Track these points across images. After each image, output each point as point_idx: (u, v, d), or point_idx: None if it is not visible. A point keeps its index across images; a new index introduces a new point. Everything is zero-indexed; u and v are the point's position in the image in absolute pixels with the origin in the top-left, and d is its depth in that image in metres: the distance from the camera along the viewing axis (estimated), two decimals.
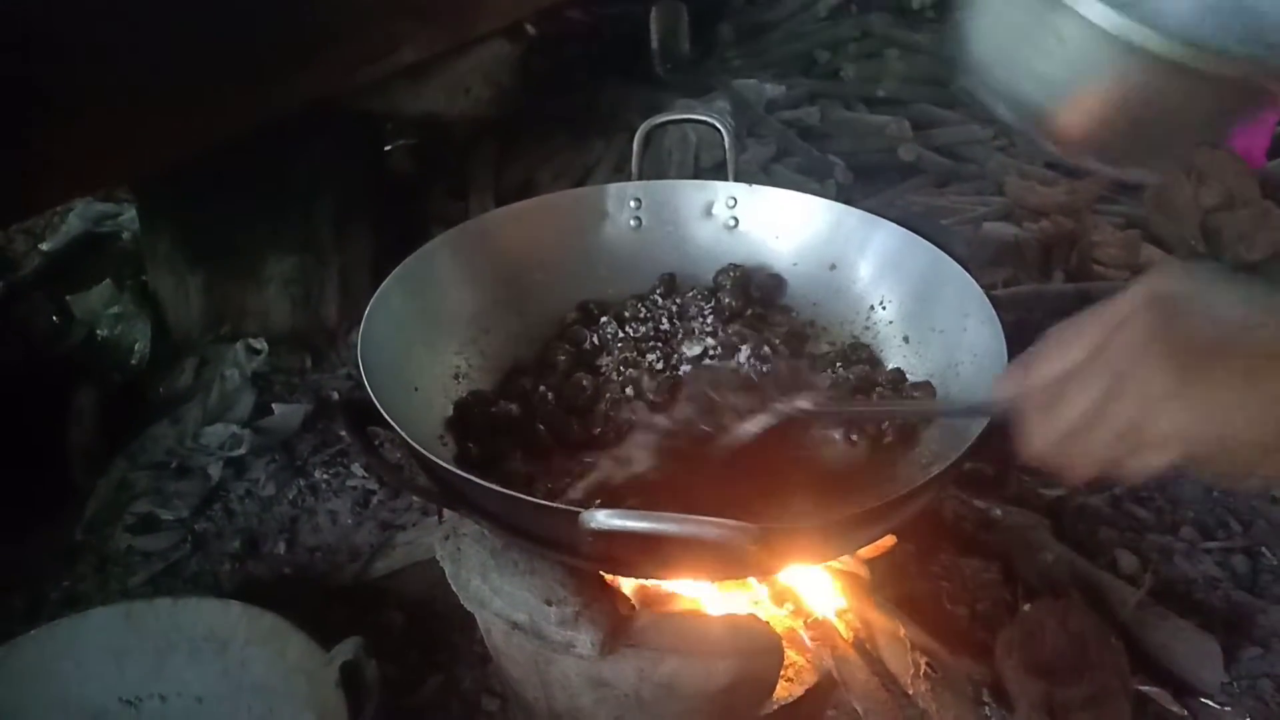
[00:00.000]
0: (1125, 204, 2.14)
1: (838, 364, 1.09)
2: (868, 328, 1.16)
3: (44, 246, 1.95)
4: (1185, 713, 1.16)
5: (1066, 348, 0.60)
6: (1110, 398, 0.55)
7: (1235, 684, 1.21)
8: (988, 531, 1.35)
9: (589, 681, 0.93)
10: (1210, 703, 1.19)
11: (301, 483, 1.47)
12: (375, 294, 1.01)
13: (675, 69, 2.54)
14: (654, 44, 2.52)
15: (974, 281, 1.04)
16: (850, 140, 2.29)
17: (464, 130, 1.97)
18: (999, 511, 1.36)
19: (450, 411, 1.04)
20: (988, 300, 1.01)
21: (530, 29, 1.96)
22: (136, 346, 1.65)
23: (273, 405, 1.58)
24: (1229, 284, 0.57)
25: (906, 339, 1.13)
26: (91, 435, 1.48)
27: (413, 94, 1.62)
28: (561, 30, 2.49)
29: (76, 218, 2.00)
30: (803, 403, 0.89)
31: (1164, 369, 0.52)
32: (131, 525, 1.39)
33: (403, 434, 0.86)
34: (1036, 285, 1.77)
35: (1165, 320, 0.54)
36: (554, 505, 0.80)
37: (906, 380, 1.08)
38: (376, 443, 0.98)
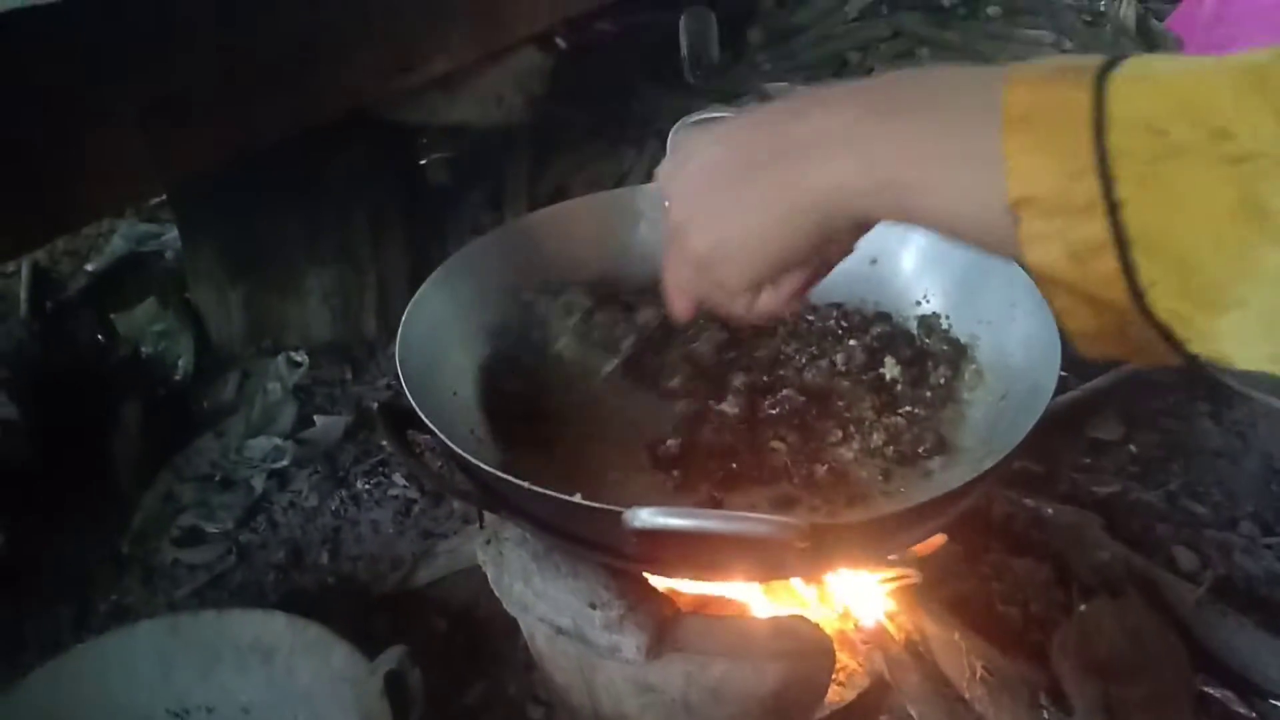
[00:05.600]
0: None
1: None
2: (912, 320, 1.15)
3: (89, 267, 1.98)
4: (1253, 714, 1.12)
5: None
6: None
7: None
8: (1039, 530, 1.32)
9: (635, 686, 0.91)
10: (1279, 704, 1.15)
11: (343, 493, 1.47)
12: (413, 298, 1.01)
13: (706, 75, 2.53)
14: (684, 51, 2.51)
15: (1021, 270, 1.01)
16: None
17: (497, 140, 1.97)
18: (1050, 510, 1.33)
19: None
20: (1036, 288, 0.98)
21: (560, 42, 1.95)
22: (180, 361, 1.67)
23: (314, 417, 1.59)
24: None
25: (952, 331, 1.11)
26: (137, 448, 1.50)
27: (446, 103, 1.63)
28: (591, 40, 2.49)
29: (120, 238, 2.03)
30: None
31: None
32: (177, 538, 1.40)
33: (442, 436, 0.85)
34: None
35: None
36: (595, 505, 0.78)
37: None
38: (418, 450, 0.98)
